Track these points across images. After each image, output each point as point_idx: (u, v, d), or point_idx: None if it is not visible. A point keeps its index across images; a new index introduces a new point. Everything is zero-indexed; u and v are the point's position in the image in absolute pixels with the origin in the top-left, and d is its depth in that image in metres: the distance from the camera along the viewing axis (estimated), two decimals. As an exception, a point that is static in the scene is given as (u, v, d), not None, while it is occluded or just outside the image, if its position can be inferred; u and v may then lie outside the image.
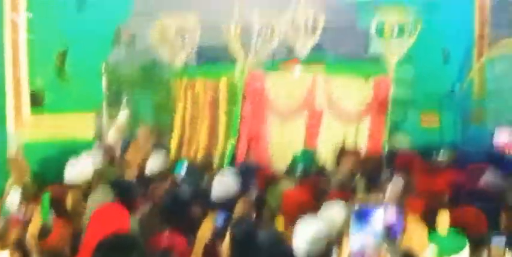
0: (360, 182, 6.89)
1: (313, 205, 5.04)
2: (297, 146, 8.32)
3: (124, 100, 10.89)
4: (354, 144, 8.63)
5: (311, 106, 8.48)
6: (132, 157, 7.80)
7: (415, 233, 4.57)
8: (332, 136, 8.54)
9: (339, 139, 8.53)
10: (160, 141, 9.11)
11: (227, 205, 5.50)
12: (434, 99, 10.11)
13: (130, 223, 4.71)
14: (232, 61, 8.28)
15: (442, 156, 8.57)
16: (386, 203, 5.32)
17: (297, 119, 8.48)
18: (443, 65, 10.13)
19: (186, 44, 9.00)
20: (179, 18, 9.05)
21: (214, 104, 8.43)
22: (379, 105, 8.76)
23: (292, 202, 5.24)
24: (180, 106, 8.91)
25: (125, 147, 8.30)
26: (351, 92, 8.72)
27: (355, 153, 7.75)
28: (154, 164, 7.30)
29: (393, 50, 8.70)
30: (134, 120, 10.19)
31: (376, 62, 9.06)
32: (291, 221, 4.65)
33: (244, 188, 6.31)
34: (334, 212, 4.61)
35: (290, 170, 7.51)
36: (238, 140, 8.11)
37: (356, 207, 4.42)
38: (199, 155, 8.37)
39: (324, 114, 8.60)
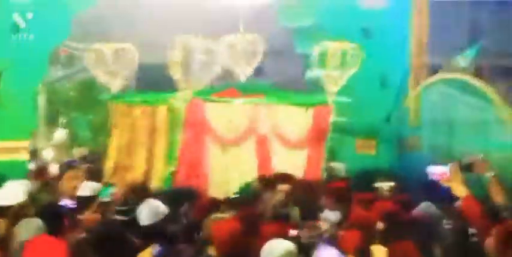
0: (294, 211, 6.77)
1: (244, 238, 5.05)
2: (244, 174, 8.20)
3: (61, 120, 10.74)
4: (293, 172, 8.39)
5: (256, 133, 8.46)
6: (67, 182, 7.56)
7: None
8: (282, 163, 8.51)
9: (287, 165, 8.44)
10: (96, 164, 8.92)
11: (159, 233, 5.47)
12: (371, 126, 10.07)
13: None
14: (172, 88, 8.22)
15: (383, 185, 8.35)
16: (325, 238, 5.26)
17: (242, 146, 8.42)
18: (380, 90, 10.09)
19: (122, 69, 8.78)
20: (116, 42, 8.87)
21: (153, 130, 8.28)
22: (318, 134, 8.76)
23: (222, 234, 5.11)
24: (116, 132, 8.62)
25: (64, 170, 8.15)
26: (293, 121, 8.72)
27: (290, 180, 7.56)
28: (85, 188, 7.13)
29: (334, 80, 8.74)
30: (72, 141, 10.07)
31: (315, 92, 9.06)
32: (223, 253, 4.71)
33: (175, 214, 6.26)
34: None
35: (230, 199, 7.23)
36: (177, 167, 8.05)
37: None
38: (136, 181, 8.06)
39: (270, 141, 8.55)
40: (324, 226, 5.49)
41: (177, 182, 8.06)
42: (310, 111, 8.81)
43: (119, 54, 8.74)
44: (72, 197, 7.11)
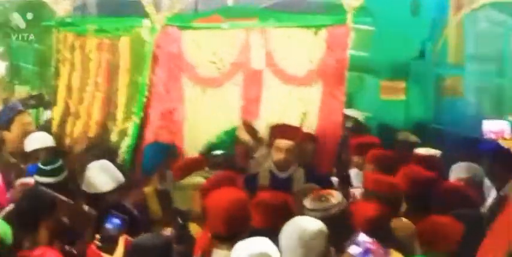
0: (298, 173, 6.22)
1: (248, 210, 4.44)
2: (227, 122, 7.26)
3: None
4: (300, 121, 7.47)
5: (245, 67, 7.29)
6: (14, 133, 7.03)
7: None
8: (278, 104, 7.42)
9: (285, 109, 7.45)
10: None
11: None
12: (399, 63, 9.29)
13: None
14: (139, 14, 6.99)
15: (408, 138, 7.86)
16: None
17: (227, 86, 7.25)
18: (411, 18, 9.20)
19: None
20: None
21: (112, 70, 7.10)
22: (335, 65, 7.50)
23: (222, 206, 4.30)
24: (64, 70, 7.59)
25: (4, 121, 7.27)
26: (297, 49, 7.46)
27: (295, 133, 6.63)
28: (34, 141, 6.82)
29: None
30: (13, 76, 9.35)
31: (327, 8, 8.04)
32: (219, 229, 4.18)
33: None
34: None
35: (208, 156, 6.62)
36: (145, 118, 6.84)
37: None
38: (91, 133, 7.21)
39: (263, 76, 7.38)
40: (336, 196, 4.73)
41: (144, 136, 6.87)
42: (322, 34, 7.44)
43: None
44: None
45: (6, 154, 6.79)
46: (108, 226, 4.44)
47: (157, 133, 6.94)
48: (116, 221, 4.44)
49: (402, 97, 9.44)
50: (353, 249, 4.10)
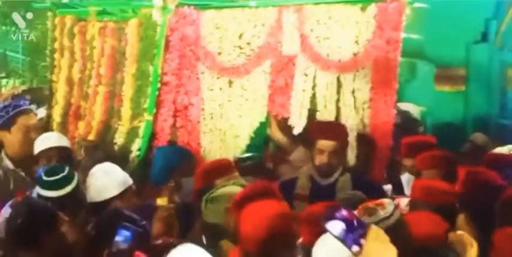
0: (344, 179, 5.78)
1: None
2: (254, 119, 6.58)
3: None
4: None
5: (275, 53, 6.60)
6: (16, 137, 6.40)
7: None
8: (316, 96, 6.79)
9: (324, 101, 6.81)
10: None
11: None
12: (458, 48, 8.64)
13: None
14: None
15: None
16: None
17: (255, 76, 6.56)
18: None
19: None
20: None
21: (118, 58, 6.52)
22: (385, 49, 6.83)
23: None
24: (63, 62, 7.11)
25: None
26: (340, 29, 6.73)
27: (339, 133, 6.10)
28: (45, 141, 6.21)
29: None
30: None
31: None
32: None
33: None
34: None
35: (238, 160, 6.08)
36: (157, 115, 6.18)
37: None
38: (93, 134, 6.65)
39: (297, 62, 6.68)
40: (387, 206, 4.02)
41: (156, 135, 6.23)
42: (371, 11, 6.70)
43: None
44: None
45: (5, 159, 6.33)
46: (118, 238, 4.03)
47: (170, 132, 6.30)
48: (126, 233, 4.04)
49: (461, 88, 8.90)
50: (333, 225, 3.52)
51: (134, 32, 6.25)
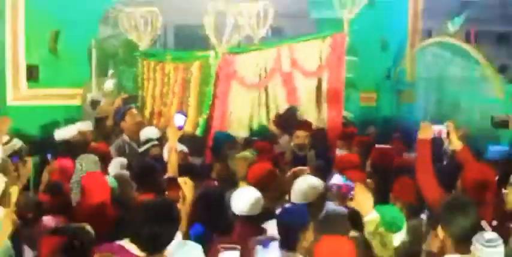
0: (311, 153, 6.46)
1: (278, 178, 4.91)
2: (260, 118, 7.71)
3: (110, 72, 10.69)
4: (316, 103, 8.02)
5: (280, 71, 7.83)
6: (128, 124, 7.25)
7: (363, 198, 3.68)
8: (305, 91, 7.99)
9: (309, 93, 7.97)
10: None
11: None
12: (373, 81, 10.01)
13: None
14: (203, 48, 7.67)
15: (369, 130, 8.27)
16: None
17: (269, 82, 7.79)
18: (381, 52, 9.99)
19: (149, 31, 8.42)
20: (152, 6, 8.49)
21: (185, 84, 7.66)
22: (337, 60, 8.07)
23: (258, 175, 4.82)
24: (149, 84, 8.17)
25: (120, 115, 7.55)
26: (312, 54, 8.03)
27: (309, 126, 6.99)
28: (150, 130, 6.90)
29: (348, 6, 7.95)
30: (118, 90, 9.87)
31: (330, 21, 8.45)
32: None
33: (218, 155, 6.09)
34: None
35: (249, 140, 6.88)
36: (210, 116, 7.39)
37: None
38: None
39: (293, 75, 7.93)
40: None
41: (212, 128, 7.41)
42: (328, 41, 8.05)
43: (146, 17, 8.34)
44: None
45: (124, 136, 7.01)
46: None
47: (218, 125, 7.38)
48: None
49: (374, 103, 10.19)
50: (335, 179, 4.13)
51: (197, 69, 7.46)
